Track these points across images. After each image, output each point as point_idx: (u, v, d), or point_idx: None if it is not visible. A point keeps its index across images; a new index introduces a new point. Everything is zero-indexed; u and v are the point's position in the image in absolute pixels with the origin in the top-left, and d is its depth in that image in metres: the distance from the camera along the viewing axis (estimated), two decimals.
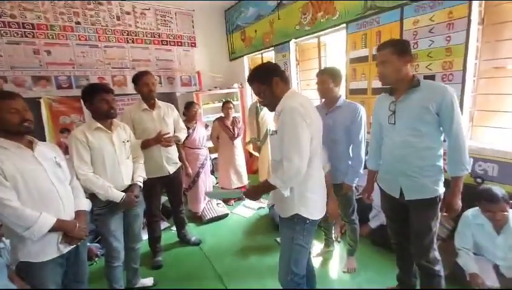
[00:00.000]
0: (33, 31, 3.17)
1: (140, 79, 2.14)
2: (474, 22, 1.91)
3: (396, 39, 1.45)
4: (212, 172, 3.78)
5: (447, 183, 1.44)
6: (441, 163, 1.41)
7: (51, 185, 1.29)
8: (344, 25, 2.73)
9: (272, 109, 1.39)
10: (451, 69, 2.04)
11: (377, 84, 2.52)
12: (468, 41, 1.93)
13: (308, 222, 1.33)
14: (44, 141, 2.36)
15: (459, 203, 1.38)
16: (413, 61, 1.45)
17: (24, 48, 3.14)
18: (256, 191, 1.39)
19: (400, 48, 1.37)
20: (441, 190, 1.42)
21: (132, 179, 1.83)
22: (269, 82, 1.32)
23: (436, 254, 1.48)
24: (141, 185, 1.87)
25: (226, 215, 3.18)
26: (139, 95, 2.21)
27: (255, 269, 2.23)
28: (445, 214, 1.45)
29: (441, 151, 1.41)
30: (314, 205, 1.35)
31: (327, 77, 1.82)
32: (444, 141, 1.40)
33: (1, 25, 2.99)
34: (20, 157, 1.23)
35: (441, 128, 1.37)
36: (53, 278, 1.33)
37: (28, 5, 3.10)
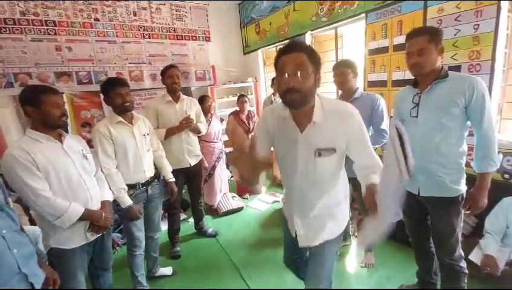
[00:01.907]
0: (55, 28, 3.27)
1: (165, 72, 2.24)
2: (504, 9, 1.80)
3: (431, 26, 1.34)
4: (227, 166, 3.81)
5: (469, 180, 1.38)
6: (463, 161, 1.35)
7: (78, 177, 1.35)
8: (363, 15, 2.65)
9: (293, 102, 1.01)
10: (478, 59, 1.94)
11: (397, 76, 2.44)
12: (498, 29, 1.82)
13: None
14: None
15: (484, 201, 1.31)
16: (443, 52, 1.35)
17: (47, 45, 3.24)
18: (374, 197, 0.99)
19: (436, 37, 1.28)
20: (463, 188, 1.36)
21: (154, 174, 1.91)
22: (318, 69, 1.03)
23: (461, 251, 1.43)
24: (173, 179, 2.02)
25: (241, 208, 3.21)
26: (165, 88, 2.30)
27: (271, 261, 2.24)
28: (467, 211, 1.38)
29: (464, 148, 1.35)
30: None
31: (346, 68, 1.80)
32: (470, 135, 1.33)
33: (26, 23, 3.11)
34: (51, 150, 1.29)
35: (468, 122, 1.30)
36: (81, 263, 1.40)
37: (50, 3, 3.20)
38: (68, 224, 1.27)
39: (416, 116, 1.39)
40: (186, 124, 2.23)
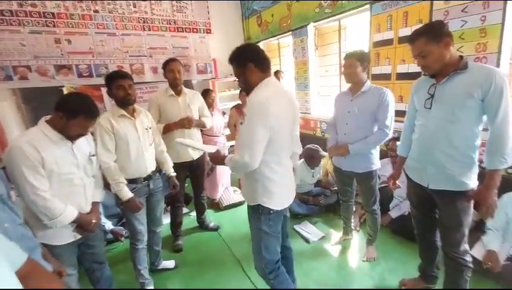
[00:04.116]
0: (53, 20, 3.22)
1: (167, 65, 2.21)
2: None
3: (427, 24, 1.33)
4: None
5: (481, 176, 1.34)
6: (475, 155, 1.31)
7: (80, 181, 1.35)
8: (368, 6, 2.60)
9: (248, 94, 1.36)
10: (484, 51, 1.91)
11: (402, 69, 2.41)
12: (505, 21, 1.79)
13: (272, 212, 1.34)
14: None
15: (493, 199, 1.27)
16: (453, 41, 1.28)
17: (46, 37, 3.20)
18: (218, 159, 1.41)
19: (434, 33, 1.25)
20: (473, 183, 1.33)
21: (156, 168, 1.89)
22: (244, 66, 1.29)
23: (466, 246, 1.43)
24: (174, 174, 2.01)
25: (242, 202, 3.21)
26: (167, 82, 2.27)
27: None
28: (474, 209, 1.37)
29: (478, 142, 1.31)
30: (278, 197, 1.36)
31: (355, 61, 1.73)
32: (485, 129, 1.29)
33: (23, 15, 3.06)
34: (60, 150, 1.27)
35: (485, 115, 1.26)
36: (68, 259, 1.39)
37: None
38: (59, 226, 1.27)
39: (430, 108, 1.36)
40: (189, 125, 2.20)
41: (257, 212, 1.36)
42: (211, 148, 1.46)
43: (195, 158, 2.35)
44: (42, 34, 3.18)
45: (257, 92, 1.27)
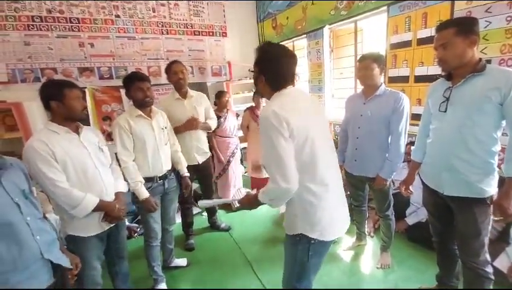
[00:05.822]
0: (78, 25, 3.39)
1: (170, 68, 2.21)
2: None
3: (460, 17, 1.26)
4: (241, 161, 3.82)
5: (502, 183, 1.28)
6: (494, 161, 1.25)
7: (94, 169, 1.40)
8: (385, 7, 2.55)
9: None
10: (511, 53, 1.82)
11: (420, 71, 2.34)
12: None
13: (313, 241, 1.12)
14: None
15: None
16: (479, 42, 1.23)
17: (71, 41, 3.37)
18: (250, 203, 1.23)
19: (465, 28, 1.20)
20: (493, 190, 1.27)
21: (171, 168, 1.93)
22: (257, 74, 1.15)
23: (487, 256, 1.35)
24: (188, 174, 2.04)
25: None
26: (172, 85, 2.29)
27: (283, 257, 2.24)
28: (496, 218, 1.30)
29: (496, 148, 1.25)
30: (323, 224, 1.12)
31: (372, 62, 1.69)
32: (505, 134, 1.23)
33: (52, 20, 3.24)
34: (69, 142, 1.33)
35: (504, 121, 1.20)
36: (95, 251, 1.46)
37: (73, 1, 3.31)
38: (84, 214, 1.33)
39: (445, 111, 1.31)
40: (195, 127, 2.23)
41: (294, 239, 1.16)
42: (237, 196, 1.34)
43: (200, 162, 2.37)
44: (68, 38, 3.35)
45: (268, 105, 1.11)
